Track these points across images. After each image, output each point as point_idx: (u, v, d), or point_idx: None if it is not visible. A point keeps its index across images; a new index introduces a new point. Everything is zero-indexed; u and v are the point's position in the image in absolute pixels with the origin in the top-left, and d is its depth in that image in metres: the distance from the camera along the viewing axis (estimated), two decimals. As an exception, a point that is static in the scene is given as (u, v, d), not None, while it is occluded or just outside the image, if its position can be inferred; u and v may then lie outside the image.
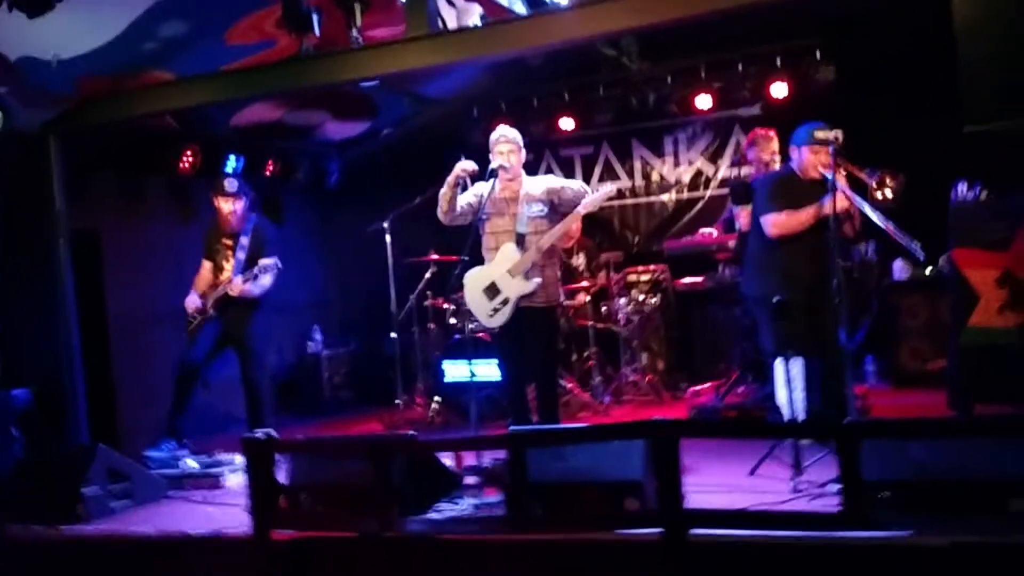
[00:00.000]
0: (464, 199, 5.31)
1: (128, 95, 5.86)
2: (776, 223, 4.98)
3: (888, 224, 4.55)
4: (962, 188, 5.41)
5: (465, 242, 5.22)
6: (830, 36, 7.31)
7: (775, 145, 6.34)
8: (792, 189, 4.99)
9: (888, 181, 4.52)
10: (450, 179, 5.20)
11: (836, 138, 4.67)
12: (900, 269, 6.94)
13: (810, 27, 7.20)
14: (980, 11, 3.51)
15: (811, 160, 4.91)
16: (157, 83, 5.95)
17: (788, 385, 4.77)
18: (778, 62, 7.51)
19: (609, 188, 5.31)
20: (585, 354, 7.52)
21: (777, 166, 6.29)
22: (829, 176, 4.63)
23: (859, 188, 4.74)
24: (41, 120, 5.91)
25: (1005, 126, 3.76)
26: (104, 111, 5.84)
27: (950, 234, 5.46)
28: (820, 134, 4.83)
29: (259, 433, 5.57)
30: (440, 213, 5.30)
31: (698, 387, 7.38)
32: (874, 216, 4.60)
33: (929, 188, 5.57)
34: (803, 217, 4.89)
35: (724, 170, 8.43)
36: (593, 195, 5.17)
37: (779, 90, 7.57)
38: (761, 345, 5.25)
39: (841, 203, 4.64)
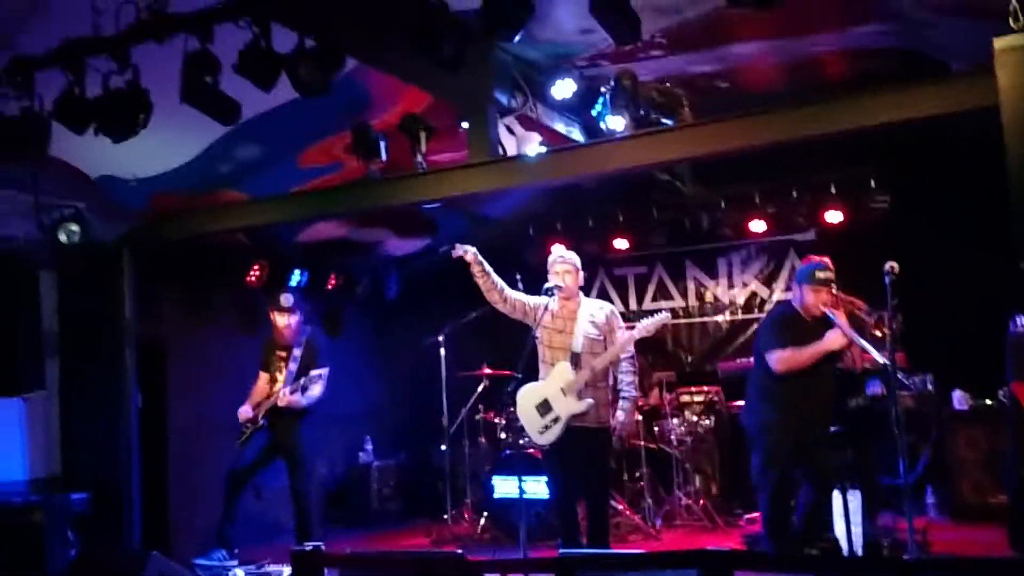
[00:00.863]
0: (522, 296, 5.40)
1: (201, 213, 6.14)
2: (781, 359, 5.01)
3: (887, 361, 4.59)
4: (1020, 321, 5.36)
5: (519, 358, 5.28)
6: (885, 166, 7.39)
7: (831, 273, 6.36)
8: (795, 326, 5.07)
9: (885, 322, 4.65)
10: (475, 270, 5.36)
11: (829, 279, 4.97)
12: (960, 399, 6.81)
13: (865, 156, 7.29)
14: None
15: (812, 299, 5.02)
16: (230, 202, 6.23)
17: (846, 517, 4.68)
18: (833, 189, 7.58)
19: (663, 315, 5.36)
20: (637, 475, 7.44)
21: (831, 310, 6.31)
22: (830, 314, 4.85)
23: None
24: (116, 233, 6.20)
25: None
26: (177, 227, 6.12)
27: (1008, 366, 5.38)
28: (821, 274, 5.00)
29: (307, 546, 5.61)
30: (493, 302, 5.39)
31: (752, 514, 7.21)
32: (873, 353, 4.71)
33: (987, 320, 5.53)
34: (807, 354, 4.94)
35: (779, 293, 8.45)
36: (648, 321, 5.23)
37: (834, 217, 7.63)
38: (752, 475, 5.27)
39: (840, 340, 4.83)
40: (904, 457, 4.57)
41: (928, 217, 7.30)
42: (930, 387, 5.73)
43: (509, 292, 5.39)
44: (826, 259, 6.35)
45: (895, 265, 4.68)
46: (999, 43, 3.67)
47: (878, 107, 4.44)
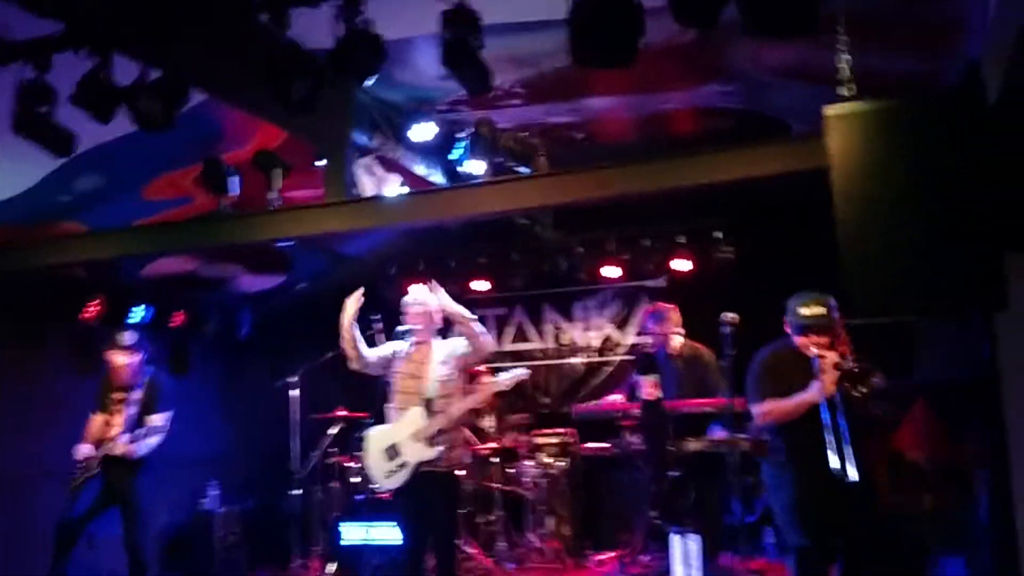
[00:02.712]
0: (377, 352, 5.35)
1: (37, 245, 5.82)
2: (761, 413, 4.53)
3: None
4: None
5: (374, 400, 5.21)
6: (733, 218, 7.73)
7: (676, 317, 6.59)
8: (782, 369, 4.46)
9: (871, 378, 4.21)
10: (345, 322, 5.22)
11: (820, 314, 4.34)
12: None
13: (714, 208, 7.60)
14: (861, 215, 3.79)
15: (802, 342, 4.41)
16: (68, 235, 5.92)
17: (686, 561, 4.79)
18: (682, 239, 7.87)
19: (522, 371, 5.41)
20: (490, 518, 7.42)
21: (677, 340, 6.52)
22: (815, 361, 4.24)
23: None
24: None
25: (886, 320, 4.02)
26: (12, 260, 5.77)
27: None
28: (804, 311, 4.37)
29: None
30: (349, 359, 5.30)
31: (602, 555, 7.31)
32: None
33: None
34: (791, 406, 4.34)
35: (631, 337, 8.66)
36: (506, 375, 5.27)
37: (682, 265, 7.92)
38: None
39: (829, 389, 4.17)
40: (741, 499, 4.73)
41: (770, 267, 7.65)
42: (766, 432, 5.95)
43: (369, 352, 5.34)
44: (672, 306, 6.62)
45: (735, 316, 4.88)
46: (829, 110, 3.89)
47: (720, 165, 4.65)
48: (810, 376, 4.25)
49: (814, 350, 4.28)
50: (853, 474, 3.95)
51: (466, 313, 5.26)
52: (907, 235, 3.79)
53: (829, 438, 4.03)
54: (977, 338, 4.60)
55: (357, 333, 5.29)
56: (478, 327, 5.25)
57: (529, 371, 5.51)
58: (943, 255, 3.73)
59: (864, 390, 4.14)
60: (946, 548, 5.53)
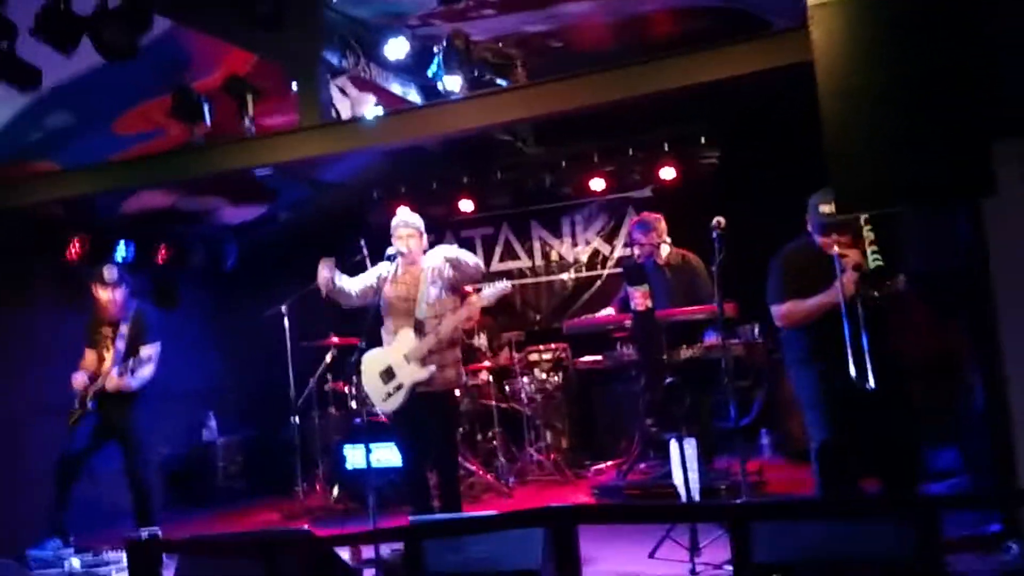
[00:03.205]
0: (362, 282, 5.31)
1: (12, 186, 5.70)
2: (782, 314, 4.46)
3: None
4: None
5: (365, 325, 5.19)
6: (715, 123, 7.63)
7: (662, 227, 6.54)
8: (804, 268, 4.41)
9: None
10: (323, 287, 5.25)
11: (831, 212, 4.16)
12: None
13: (696, 114, 7.50)
14: (846, 108, 3.72)
15: (824, 241, 4.36)
16: (42, 173, 5.81)
17: (683, 465, 4.84)
18: (666, 147, 7.79)
19: (504, 284, 5.34)
20: (489, 434, 7.50)
21: (665, 249, 6.49)
22: (836, 260, 4.19)
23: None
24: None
25: (874, 212, 3.99)
26: (-16, 200, 5.66)
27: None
28: (825, 208, 4.23)
29: (143, 532, 5.40)
30: (345, 304, 5.30)
31: (601, 465, 7.42)
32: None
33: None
34: (812, 307, 4.31)
35: (619, 250, 8.64)
36: (489, 289, 5.23)
37: (667, 174, 7.85)
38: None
39: (849, 289, 4.14)
40: (736, 403, 4.76)
41: (755, 171, 7.59)
42: (759, 335, 5.99)
43: (352, 286, 5.29)
44: (659, 215, 6.56)
45: (721, 220, 4.82)
46: (810, 2, 3.79)
47: (701, 65, 4.55)
48: (832, 276, 4.18)
49: (836, 248, 4.21)
50: (871, 382, 3.97)
51: (464, 257, 5.22)
52: (893, 125, 3.73)
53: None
54: (964, 226, 4.57)
55: (339, 284, 5.24)
56: (472, 261, 5.23)
57: (510, 285, 5.46)
58: (930, 144, 3.68)
59: (877, 292, 4.10)
60: (939, 440, 5.60)
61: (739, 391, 5.57)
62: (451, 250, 5.33)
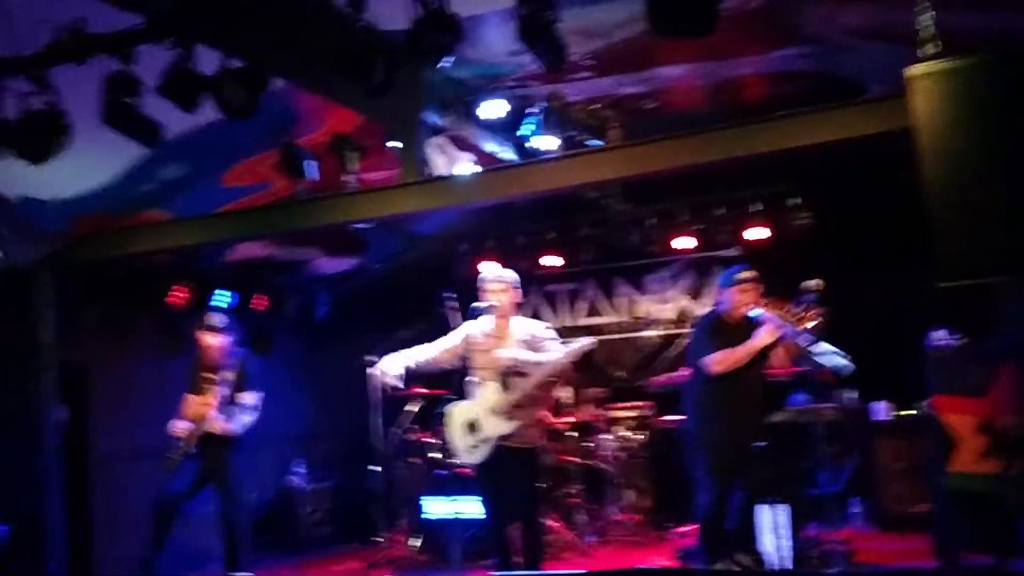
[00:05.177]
0: (442, 347, 5.39)
1: (123, 233, 6.00)
2: (716, 361, 5.17)
3: (816, 345, 4.84)
4: (938, 334, 5.54)
5: (451, 377, 5.28)
6: (808, 183, 7.57)
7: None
8: (724, 330, 5.25)
9: (809, 315, 4.92)
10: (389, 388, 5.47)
11: (755, 276, 5.20)
12: (882, 410, 7.00)
13: (789, 174, 7.47)
14: (949, 175, 3.69)
15: (739, 299, 5.20)
16: (153, 222, 6.09)
17: (775, 532, 4.76)
18: (756, 207, 7.75)
19: (590, 341, 5.38)
20: (570, 491, 7.46)
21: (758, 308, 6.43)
22: (755, 313, 5.07)
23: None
24: (36, 256, 6.01)
25: (975, 283, 3.92)
26: (99, 248, 5.96)
27: (928, 380, 5.55)
28: (742, 275, 5.23)
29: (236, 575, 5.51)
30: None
31: (684, 528, 7.29)
32: (801, 339, 4.94)
33: (905, 335, 5.70)
34: (741, 352, 5.11)
35: (706, 307, 8.56)
36: (574, 346, 5.24)
37: (757, 234, 7.79)
38: (698, 487, 5.36)
39: (771, 334, 5.03)
40: (828, 469, 4.68)
41: (850, 234, 7.50)
42: (853, 399, 5.89)
43: (431, 354, 5.40)
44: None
45: (819, 282, 4.82)
46: (910, 72, 3.79)
47: (797, 130, 4.57)
48: (746, 336, 5.10)
49: (749, 308, 5.12)
50: None
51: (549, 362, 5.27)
52: (995, 194, 3.69)
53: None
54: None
55: (415, 366, 5.41)
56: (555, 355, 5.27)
57: (595, 341, 5.51)
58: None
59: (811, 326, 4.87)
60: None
61: (829, 457, 5.48)
62: (539, 329, 5.38)
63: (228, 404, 6.00)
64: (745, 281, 5.18)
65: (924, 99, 3.76)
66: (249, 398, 5.99)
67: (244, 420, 5.98)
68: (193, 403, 6.19)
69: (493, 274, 5.37)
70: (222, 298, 7.58)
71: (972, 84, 3.74)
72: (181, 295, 7.34)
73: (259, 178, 6.12)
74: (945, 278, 3.76)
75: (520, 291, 5.39)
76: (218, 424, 5.91)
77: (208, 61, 4.16)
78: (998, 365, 5.39)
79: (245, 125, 4.56)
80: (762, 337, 5.02)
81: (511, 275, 5.38)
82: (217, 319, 6.15)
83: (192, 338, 6.27)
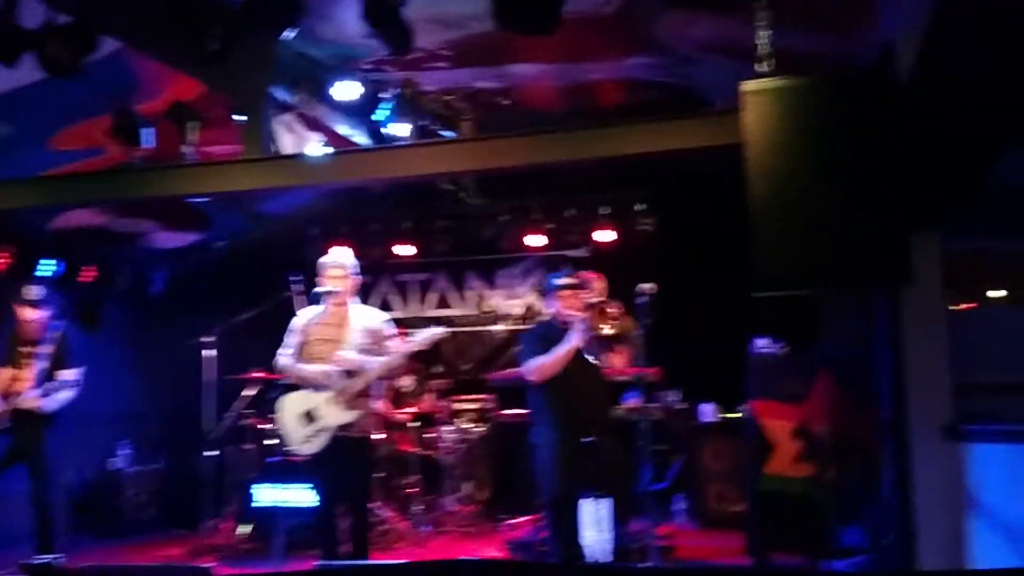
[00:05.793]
0: (295, 345, 5.23)
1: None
2: (531, 369, 5.12)
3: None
4: (761, 342, 5.80)
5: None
6: (654, 191, 7.81)
7: (600, 287, 6.63)
8: (548, 336, 5.18)
9: (608, 310, 5.07)
10: None
11: (577, 283, 5.22)
12: (707, 412, 7.28)
13: (636, 180, 7.67)
14: (772, 191, 3.86)
15: (561, 305, 5.16)
16: (-29, 182, 5.68)
17: (597, 526, 4.87)
18: (605, 210, 7.94)
19: (439, 330, 5.35)
20: (406, 482, 7.43)
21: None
22: (571, 317, 5.06)
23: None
24: None
25: (790, 293, 4.11)
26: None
27: (748, 385, 5.80)
28: (561, 281, 5.25)
29: (43, 558, 5.22)
30: None
31: (516, 520, 7.39)
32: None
33: (731, 340, 5.95)
34: (553, 358, 5.04)
35: (553, 306, 8.69)
36: (423, 335, 5.19)
37: (604, 236, 7.99)
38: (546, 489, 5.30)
39: (578, 337, 5.01)
40: (654, 466, 4.82)
41: (688, 241, 7.78)
42: (679, 401, 6.10)
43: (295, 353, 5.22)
44: (598, 275, 6.67)
45: (653, 286, 4.95)
46: (745, 86, 3.95)
47: (642, 137, 4.69)
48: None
49: (569, 313, 5.08)
50: None
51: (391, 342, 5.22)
52: (817, 211, 3.88)
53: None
54: (881, 313, 4.75)
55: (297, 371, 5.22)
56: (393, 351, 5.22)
57: (444, 331, 5.48)
58: (851, 231, 3.84)
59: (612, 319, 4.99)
60: (847, 518, 5.73)
61: (656, 455, 5.65)
62: (381, 325, 5.28)
63: (45, 380, 5.69)
64: (564, 287, 5.18)
65: (754, 114, 3.92)
66: (69, 374, 5.70)
67: (61, 397, 5.70)
68: (6, 377, 5.85)
69: (332, 259, 5.25)
70: (47, 267, 7.16)
71: (801, 103, 3.92)
72: (2, 262, 6.90)
73: (91, 143, 5.80)
74: (759, 288, 3.93)
75: (359, 278, 5.30)
76: (31, 401, 5.61)
77: (32, 15, 3.90)
78: (816, 374, 5.68)
79: (79, 86, 4.32)
80: (573, 341, 5.00)
81: (351, 261, 5.27)
82: (35, 291, 5.82)
83: (10, 309, 5.91)
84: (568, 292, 5.13)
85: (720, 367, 6.25)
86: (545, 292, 5.43)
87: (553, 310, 5.25)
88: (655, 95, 6.20)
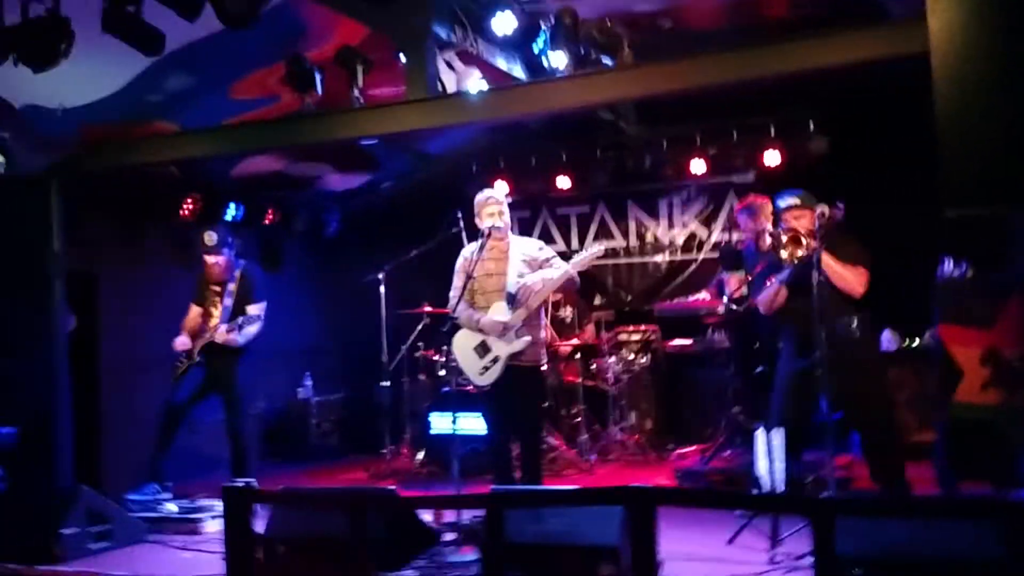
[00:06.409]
0: (459, 287, 5.32)
1: (131, 144, 5.96)
2: (761, 303, 5.17)
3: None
4: (948, 265, 5.48)
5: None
6: (823, 109, 7.44)
7: (769, 211, 6.41)
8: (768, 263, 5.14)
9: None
10: None
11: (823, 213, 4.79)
12: (887, 340, 6.99)
13: (805, 99, 7.33)
14: (961, 101, 3.60)
15: (791, 225, 4.98)
16: (161, 133, 6.06)
17: (769, 456, 4.79)
18: (772, 131, 7.63)
19: (597, 249, 5.37)
20: (573, 411, 7.55)
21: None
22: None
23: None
24: (44, 165, 6.00)
25: (983, 212, 3.85)
26: (107, 158, 5.92)
27: (935, 310, 5.52)
28: (789, 201, 5.03)
29: (239, 482, 5.62)
30: None
31: (684, 449, 7.39)
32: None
33: (917, 263, 5.66)
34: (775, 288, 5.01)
35: (717, 234, 8.53)
36: (582, 255, 5.26)
37: (772, 159, 7.69)
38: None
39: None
40: (829, 396, 4.68)
41: (865, 160, 7.39)
42: (856, 329, 5.84)
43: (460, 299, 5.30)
44: (766, 199, 6.45)
45: (826, 210, 4.75)
46: (931, -10, 3.67)
47: (814, 51, 4.43)
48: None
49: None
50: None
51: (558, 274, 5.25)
52: (1012, 122, 3.59)
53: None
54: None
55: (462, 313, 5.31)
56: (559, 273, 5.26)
57: (602, 248, 5.48)
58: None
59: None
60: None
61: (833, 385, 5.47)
62: (543, 252, 5.37)
63: (232, 316, 6.06)
64: (792, 208, 5.02)
65: (943, 19, 3.63)
66: (253, 309, 6.06)
67: (248, 331, 6.07)
68: (195, 315, 6.28)
69: (486, 196, 5.32)
70: (232, 212, 7.60)
71: (989, 9, 3.61)
72: (190, 208, 7.36)
73: (267, 91, 6.05)
74: (950, 205, 3.69)
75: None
76: (221, 334, 5.99)
77: (209, -33, 4.08)
78: (1006, 297, 5.34)
79: (251, 36, 4.50)
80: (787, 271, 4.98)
81: (502, 194, 5.37)
82: (212, 237, 6.16)
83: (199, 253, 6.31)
84: (797, 212, 4.96)
85: (902, 292, 5.96)
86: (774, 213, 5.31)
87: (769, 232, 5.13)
88: (823, 5, 5.86)
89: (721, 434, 6.92)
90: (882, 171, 7.27)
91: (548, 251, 5.44)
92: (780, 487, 4.74)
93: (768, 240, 5.02)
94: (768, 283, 5.14)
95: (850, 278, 4.91)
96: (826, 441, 4.68)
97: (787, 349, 5.15)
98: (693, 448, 7.31)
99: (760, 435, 4.91)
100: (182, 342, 6.17)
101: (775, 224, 5.69)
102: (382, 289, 7.45)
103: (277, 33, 5.33)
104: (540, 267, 5.29)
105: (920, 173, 4.30)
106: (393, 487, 5.24)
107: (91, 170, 6.06)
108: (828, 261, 4.81)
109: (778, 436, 4.82)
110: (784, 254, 4.85)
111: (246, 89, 6.05)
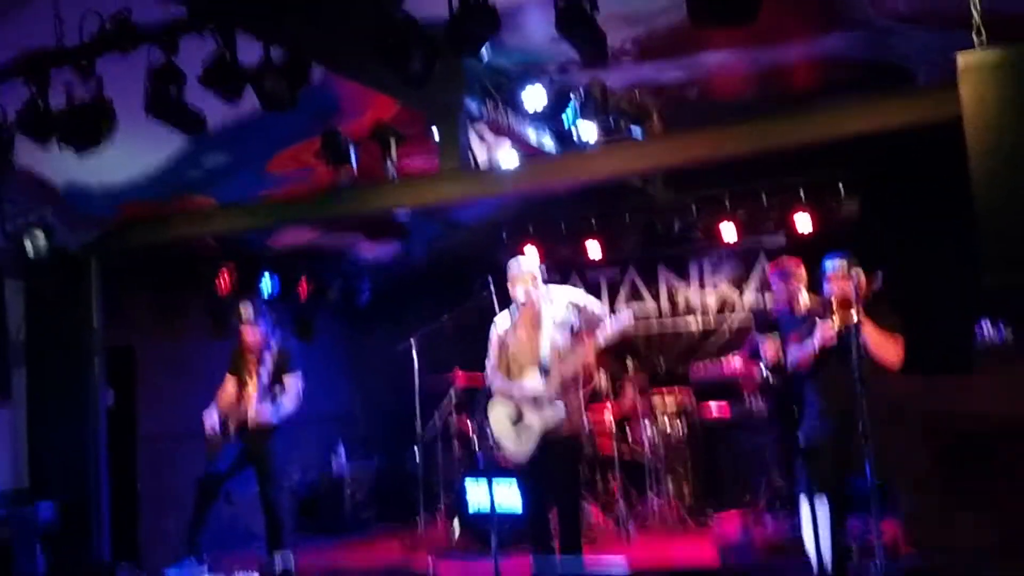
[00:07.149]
0: (494, 355, 5.35)
1: (169, 219, 6.09)
2: (795, 362, 5.11)
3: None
4: (986, 328, 5.42)
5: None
6: (854, 170, 7.44)
7: (802, 274, 6.39)
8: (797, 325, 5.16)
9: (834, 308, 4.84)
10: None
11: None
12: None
13: (835, 160, 7.33)
14: (996, 171, 3.60)
15: (833, 287, 4.97)
16: (198, 208, 6.17)
17: (814, 525, 4.70)
18: (802, 194, 7.63)
19: (627, 315, 5.32)
20: (609, 479, 7.46)
21: (804, 296, 6.33)
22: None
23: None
24: (83, 241, 6.13)
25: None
26: (145, 234, 6.06)
27: (979, 374, 5.43)
28: (836, 263, 4.99)
29: (276, 556, 5.60)
30: None
31: (724, 512, 7.24)
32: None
33: (951, 325, 5.60)
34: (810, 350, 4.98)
35: (749, 296, 8.49)
36: (613, 324, 5.18)
37: (803, 221, 7.67)
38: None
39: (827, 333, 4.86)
40: (871, 460, 4.60)
41: (896, 222, 7.36)
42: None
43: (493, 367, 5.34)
44: (799, 261, 6.43)
45: (860, 273, 4.73)
46: (963, 59, 3.70)
47: (844, 118, 4.49)
48: None
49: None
50: None
51: (589, 303, 5.26)
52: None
53: None
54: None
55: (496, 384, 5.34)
56: (597, 307, 5.27)
57: (632, 314, 5.43)
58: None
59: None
60: None
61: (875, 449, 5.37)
62: (576, 295, 5.33)
63: (268, 391, 6.08)
64: (837, 270, 4.99)
65: (972, 88, 3.67)
66: (290, 381, 6.07)
67: (285, 408, 6.07)
68: (231, 387, 6.29)
69: (517, 266, 5.24)
70: (267, 285, 7.69)
71: (1020, 77, 3.63)
72: (227, 279, 7.46)
73: (302, 164, 6.17)
74: (990, 275, 3.67)
75: (541, 276, 5.31)
76: (257, 417, 6.01)
77: (250, 52, 4.19)
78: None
79: (289, 113, 4.59)
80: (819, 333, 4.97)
81: (532, 263, 5.30)
82: (246, 310, 6.22)
83: (235, 324, 6.37)
84: (841, 274, 4.91)
85: (938, 354, 5.89)
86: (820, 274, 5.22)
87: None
88: (852, 73, 5.91)
89: (761, 500, 6.80)
90: (914, 231, 7.24)
91: (581, 299, 5.30)
92: (827, 559, 4.64)
93: (817, 306, 4.97)
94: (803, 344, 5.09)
95: (890, 347, 4.85)
96: (870, 506, 4.59)
97: (819, 412, 5.06)
98: (733, 511, 7.17)
99: (804, 504, 4.83)
100: (211, 421, 6.17)
101: (809, 287, 5.69)
102: (414, 354, 7.46)
103: (312, 109, 5.44)
104: (575, 314, 5.20)
105: (952, 235, 4.29)
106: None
107: (130, 246, 6.18)
108: (870, 330, 4.76)
109: (822, 505, 4.74)
110: (835, 320, 4.81)
111: (282, 163, 6.17)
